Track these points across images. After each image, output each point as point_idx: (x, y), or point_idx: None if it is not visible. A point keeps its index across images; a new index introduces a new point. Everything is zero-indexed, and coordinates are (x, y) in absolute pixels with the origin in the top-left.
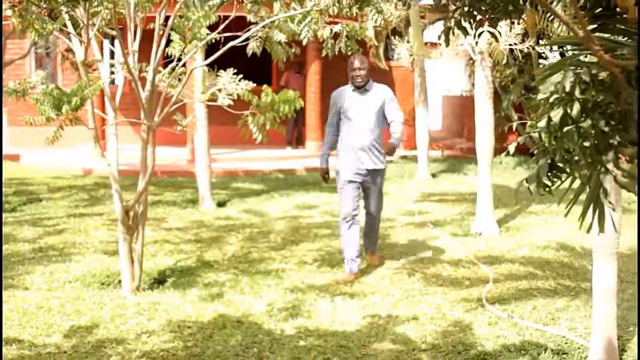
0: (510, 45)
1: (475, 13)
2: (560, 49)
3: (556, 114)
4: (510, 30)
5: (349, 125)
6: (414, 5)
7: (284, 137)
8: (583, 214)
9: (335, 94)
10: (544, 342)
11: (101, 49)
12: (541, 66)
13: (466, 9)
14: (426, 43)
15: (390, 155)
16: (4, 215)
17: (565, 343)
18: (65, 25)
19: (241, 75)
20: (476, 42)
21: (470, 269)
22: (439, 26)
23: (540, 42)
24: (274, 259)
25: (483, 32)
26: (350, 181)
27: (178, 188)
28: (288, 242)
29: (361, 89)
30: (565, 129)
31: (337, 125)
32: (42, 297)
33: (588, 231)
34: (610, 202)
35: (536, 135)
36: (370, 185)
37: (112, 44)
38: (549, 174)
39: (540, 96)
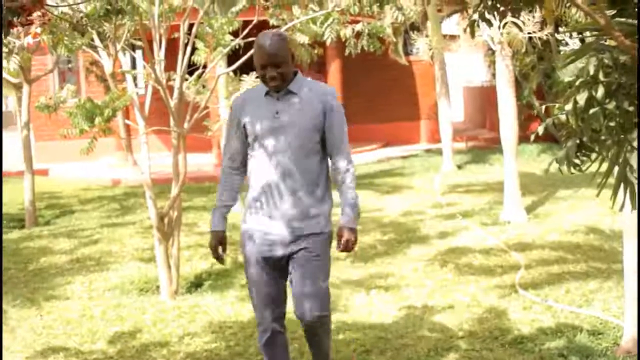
0: (529, 33)
1: (498, 5)
2: (580, 35)
3: (582, 97)
4: (529, 19)
5: (260, 158)
6: None
7: None
8: (614, 192)
9: (236, 102)
10: (579, 323)
11: (131, 60)
12: (561, 53)
13: (490, 2)
14: (445, 36)
15: (348, 250)
16: (39, 229)
17: (600, 323)
18: (92, 39)
19: None
20: (501, 34)
21: (502, 257)
22: (457, 18)
23: (559, 29)
24: None
25: (507, 23)
26: (264, 260)
27: (206, 193)
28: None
29: (280, 91)
30: (591, 111)
31: (242, 156)
32: (84, 305)
33: (621, 209)
34: (637, 178)
35: (563, 117)
36: (302, 263)
37: (141, 55)
38: (578, 153)
39: (565, 79)
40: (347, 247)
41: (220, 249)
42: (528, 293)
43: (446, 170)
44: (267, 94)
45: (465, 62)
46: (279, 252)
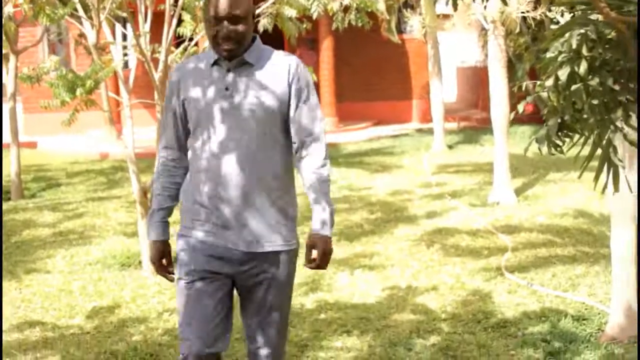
0: (522, 13)
1: None
2: (572, 12)
3: (563, 73)
4: None
5: (204, 149)
6: None
7: None
8: (597, 174)
9: (174, 73)
10: (564, 308)
11: (113, 32)
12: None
13: None
14: (438, 15)
15: (323, 267)
16: (24, 202)
17: (585, 309)
18: (76, 10)
19: None
20: (484, 7)
21: (489, 239)
22: None
23: (553, 8)
24: None
25: None
26: (202, 275)
27: None
28: (306, 218)
29: (233, 59)
30: (573, 87)
31: (183, 145)
32: (64, 279)
33: (602, 191)
34: (620, 160)
35: (545, 95)
36: (259, 296)
37: (124, 27)
38: (559, 133)
39: (548, 55)
40: (321, 264)
41: (164, 262)
42: (514, 276)
43: (437, 150)
44: (215, 63)
45: (459, 42)
46: (228, 270)
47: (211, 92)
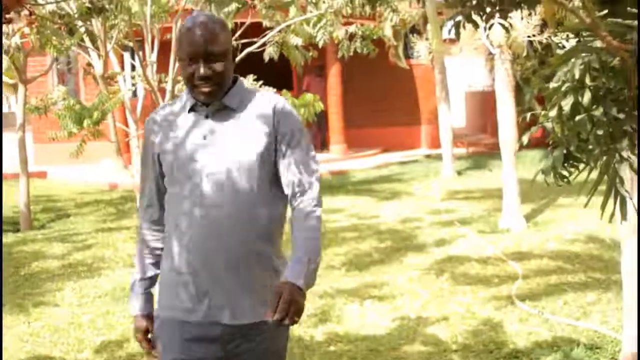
0: (528, 37)
1: (484, 5)
2: (578, 38)
3: (567, 103)
4: (528, 22)
5: (180, 205)
6: (431, 2)
7: None
8: (604, 204)
9: (148, 123)
10: (576, 337)
11: (121, 61)
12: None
13: (475, 1)
14: (445, 40)
15: (293, 323)
16: (33, 233)
17: (598, 337)
18: (83, 40)
19: (261, 82)
20: (487, 35)
21: (499, 266)
22: None
23: (559, 33)
24: None
25: (493, 24)
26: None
27: None
28: None
29: (212, 104)
30: (577, 118)
31: (163, 201)
32: (73, 313)
33: (610, 220)
34: (626, 191)
35: (549, 125)
36: None
37: (132, 57)
38: (565, 164)
39: (551, 85)
40: (284, 314)
41: (149, 337)
42: (525, 304)
43: (446, 176)
44: (192, 109)
45: (466, 66)
46: (212, 351)
47: (188, 142)
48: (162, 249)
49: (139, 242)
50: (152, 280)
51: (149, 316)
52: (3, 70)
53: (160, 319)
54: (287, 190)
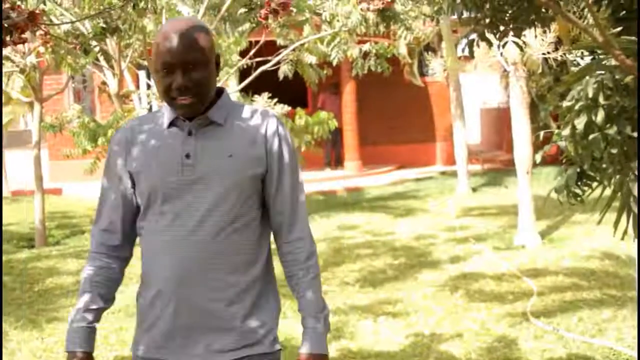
0: (543, 54)
1: (497, 24)
2: (593, 55)
3: (580, 122)
4: (543, 39)
5: (158, 235)
6: (445, 20)
7: (322, 159)
8: (617, 222)
9: (118, 136)
10: (591, 354)
11: (136, 80)
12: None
13: (488, 20)
14: (460, 57)
15: None
16: (48, 249)
17: (613, 354)
18: (98, 59)
19: (276, 99)
20: (501, 53)
21: (514, 283)
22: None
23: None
24: None
25: (507, 42)
26: None
27: None
28: (330, 263)
29: (194, 118)
30: (590, 137)
31: (126, 229)
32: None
33: (622, 238)
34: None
35: (563, 144)
36: None
37: (148, 76)
38: (579, 182)
39: (565, 104)
40: None
41: None
42: (539, 321)
43: (461, 192)
44: (172, 124)
45: (481, 83)
46: None
47: (167, 161)
48: (114, 280)
49: (88, 269)
50: (97, 313)
51: (89, 356)
52: (20, 89)
53: (137, 358)
54: (274, 220)
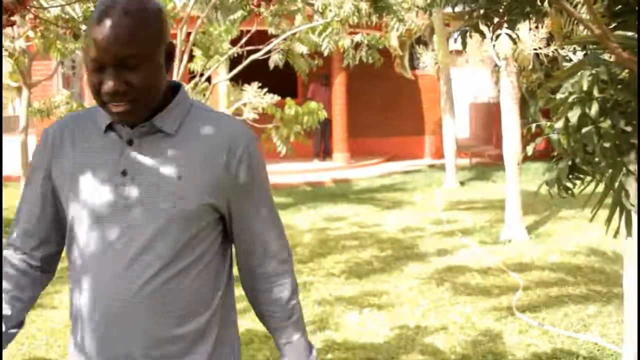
0: (535, 49)
1: (492, 15)
2: (585, 51)
3: (574, 115)
4: (535, 35)
5: (89, 266)
6: (438, 13)
7: (311, 150)
8: (609, 218)
9: (50, 132)
10: (576, 349)
11: None
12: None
13: (482, 11)
14: (451, 51)
15: None
16: None
17: (598, 350)
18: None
19: (266, 89)
20: (494, 45)
21: (500, 277)
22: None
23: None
24: (302, 272)
25: (500, 34)
26: None
27: None
28: (316, 254)
29: (136, 125)
30: (583, 130)
31: (45, 240)
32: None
33: (615, 236)
34: (632, 205)
35: (555, 137)
36: None
37: None
38: (570, 176)
39: (558, 96)
40: None
41: None
42: (525, 316)
43: (448, 186)
44: (109, 127)
45: (472, 78)
46: None
47: (99, 175)
48: (26, 299)
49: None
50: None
51: None
52: (8, 74)
53: None
54: (242, 259)
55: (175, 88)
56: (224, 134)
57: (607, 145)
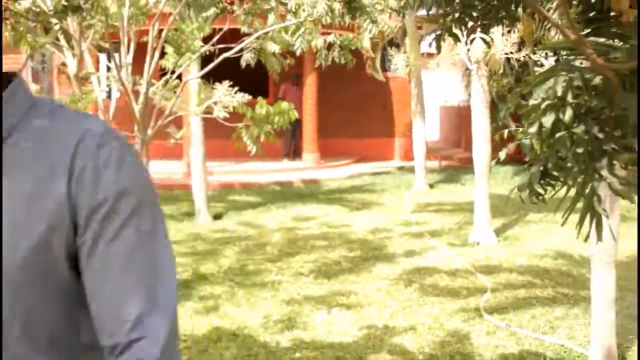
0: (506, 54)
1: (466, 19)
2: (557, 56)
3: (548, 120)
4: (507, 39)
5: None
6: (410, 15)
7: (280, 150)
8: (580, 223)
9: None
10: (543, 351)
11: (96, 62)
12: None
13: (457, 15)
14: (423, 53)
15: None
16: None
17: (564, 352)
18: (58, 39)
19: (237, 88)
20: (468, 50)
21: (468, 279)
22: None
23: (537, 51)
24: (270, 271)
25: (475, 38)
26: None
27: (174, 201)
28: (284, 254)
29: None
30: (557, 135)
31: None
32: None
33: (585, 240)
34: (604, 210)
35: (527, 142)
36: None
37: (108, 58)
38: (542, 181)
39: (531, 102)
40: None
41: None
42: (493, 317)
43: (418, 188)
44: None
45: (443, 81)
46: None
47: None
48: None
49: None
50: None
51: None
52: None
53: None
54: (101, 331)
55: (9, 79)
56: (74, 133)
57: (579, 151)
